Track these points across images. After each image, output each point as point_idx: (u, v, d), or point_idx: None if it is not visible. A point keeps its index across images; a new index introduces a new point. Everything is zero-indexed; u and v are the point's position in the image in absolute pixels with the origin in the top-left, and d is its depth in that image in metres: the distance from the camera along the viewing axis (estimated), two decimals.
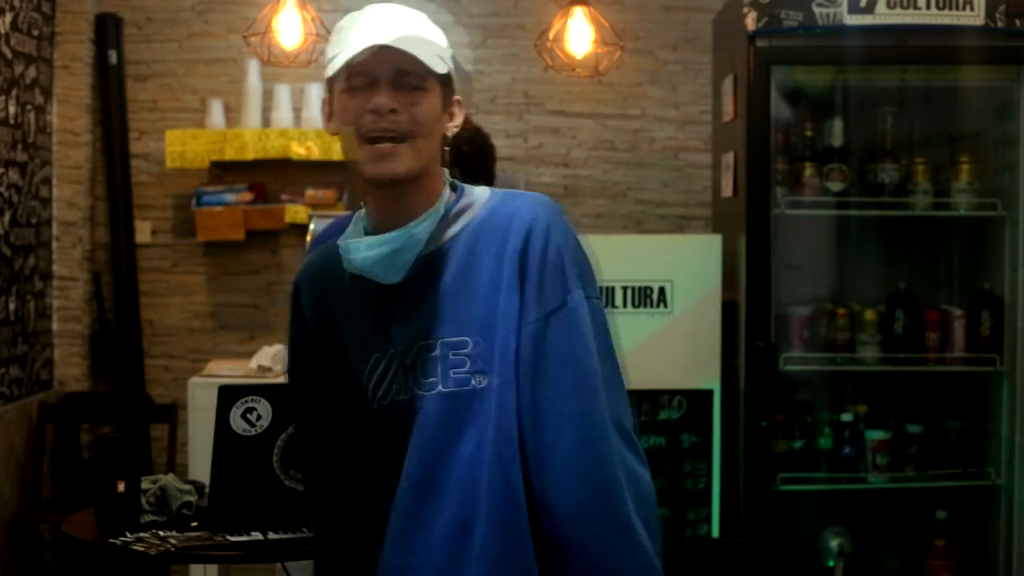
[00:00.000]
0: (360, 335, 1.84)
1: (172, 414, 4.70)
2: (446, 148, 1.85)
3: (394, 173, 1.76)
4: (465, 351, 1.76)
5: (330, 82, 1.81)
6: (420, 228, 1.79)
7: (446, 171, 1.88)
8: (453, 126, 1.85)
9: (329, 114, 1.84)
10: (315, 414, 1.94)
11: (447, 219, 1.82)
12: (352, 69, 1.76)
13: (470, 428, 1.75)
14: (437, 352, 1.77)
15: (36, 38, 4.63)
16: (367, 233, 1.83)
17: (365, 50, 1.74)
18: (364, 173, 1.79)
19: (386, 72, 1.76)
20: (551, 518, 1.72)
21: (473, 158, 3.14)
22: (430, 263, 1.80)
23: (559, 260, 1.78)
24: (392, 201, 1.80)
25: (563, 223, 1.82)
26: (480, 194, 1.87)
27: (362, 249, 1.79)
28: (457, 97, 1.86)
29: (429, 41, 1.80)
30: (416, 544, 1.76)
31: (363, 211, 1.88)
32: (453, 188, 1.87)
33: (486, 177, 3.03)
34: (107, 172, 4.96)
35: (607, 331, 1.82)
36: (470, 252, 1.80)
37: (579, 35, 4.12)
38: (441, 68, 1.79)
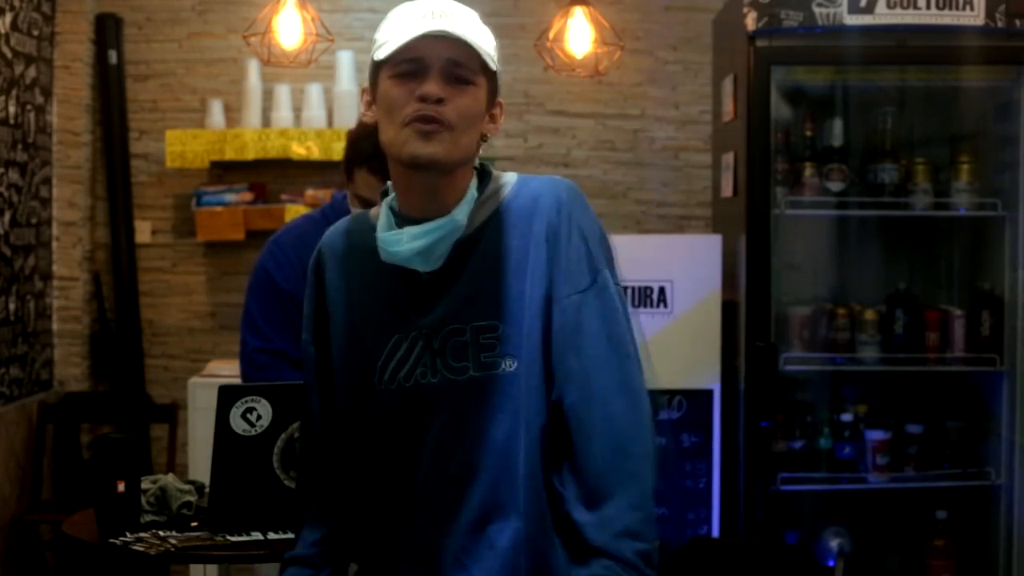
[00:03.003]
0: (380, 315, 1.83)
1: (172, 414, 4.70)
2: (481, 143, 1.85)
3: (433, 153, 1.76)
4: (494, 335, 1.77)
5: (375, 69, 1.81)
6: (461, 214, 1.79)
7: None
8: (493, 128, 1.85)
9: (369, 102, 1.84)
10: (327, 388, 1.92)
11: (477, 205, 1.82)
12: (403, 55, 1.75)
13: (501, 412, 1.76)
14: (467, 337, 1.77)
15: (36, 38, 4.63)
16: (399, 220, 1.83)
17: (420, 35, 1.74)
18: (401, 155, 1.78)
19: (438, 61, 1.75)
20: (583, 471, 1.75)
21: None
22: (460, 248, 1.80)
23: (584, 242, 1.81)
24: (424, 193, 1.80)
25: (585, 205, 1.84)
26: (507, 178, 1.87)
27: (405, 241, 1.79)
28: (500, 100, 1.87)
29: (481, 35, 1.80)
30: (456, 527, 1.78)
31: (389, 199, 1.87)
32: (479, 173, 1.87)
33: None
34: (107, 172, 4.96)
35: (628, 314, 1.84)
36: (497, 237, 1.81)
37: (579, 35, 4.12)
38: (492, 65, 1.80)
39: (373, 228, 1.86)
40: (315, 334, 1.93)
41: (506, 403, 1.76)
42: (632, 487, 1.73)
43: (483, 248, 1.80)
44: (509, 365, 1.76)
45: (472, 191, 1.82)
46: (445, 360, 1.78)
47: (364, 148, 2.82)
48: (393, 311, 1.82)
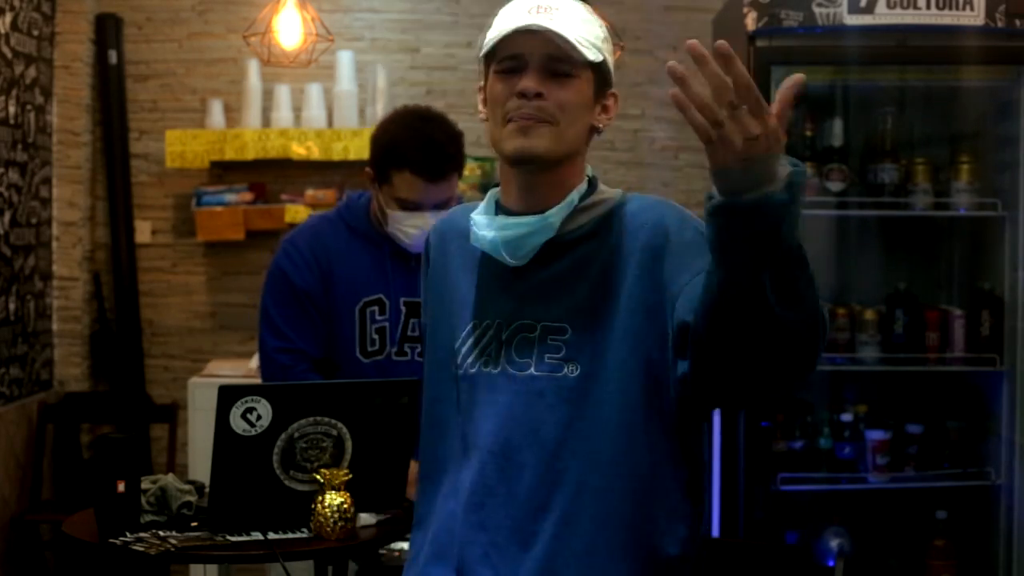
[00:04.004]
0: (465, 300, 1.86)
1: (172, 414, 4.70)
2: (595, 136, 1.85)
3: (533, 148, 1.76)
4: (563, 338, 1.76)
5: (485, 65, 1.84)
6: (555, 217, 1.79)
7: (588, 166, 1.88)
8: (606, 119, 1.84)
9: (483, 99, 1.85)
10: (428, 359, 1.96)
11: (576, 210, 1.82)
12: (503, 52, 1.78)
13: (556, 414, 1.74)
14: (536, 334, 1.77)
15: (36, 38, 4.63)
16: (499, 212, 1.84)
17: (512, 32, 1.76)
18: (504, 150, 1.79)
19: (536, 57, 1.77)
20: None
21: None
22: (549, 249, 1.80)
23: (699, 233, 1.73)
24: (528, 186, 1.81)
25: (691, 215, 1.82)
26: (613, 193, 1.87)
27: (495, 228, 1.80)
28: (613, 91, 1.86)
29: (583, 28, 1.79)
30: (489, 521, 1.77)
31: (495, 190, 1.89)
32: (589, 181, 1.87)
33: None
34: (107, 172, 4.96)
35: None
36: (590, 246, 1.80)
37: None
38: (593, 56, 1.78)
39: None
40: (424, 308, 2.00)
41: (561, 407, 1.74)
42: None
43: (572, 253, 1.80)
44: (572, 370, 1.75)
45: (573, 196, 1.81)
46: (509, 353, 1.78)
47: (406, 151, 2.83)
48: (476, 299, 1.84)
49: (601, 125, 1.84)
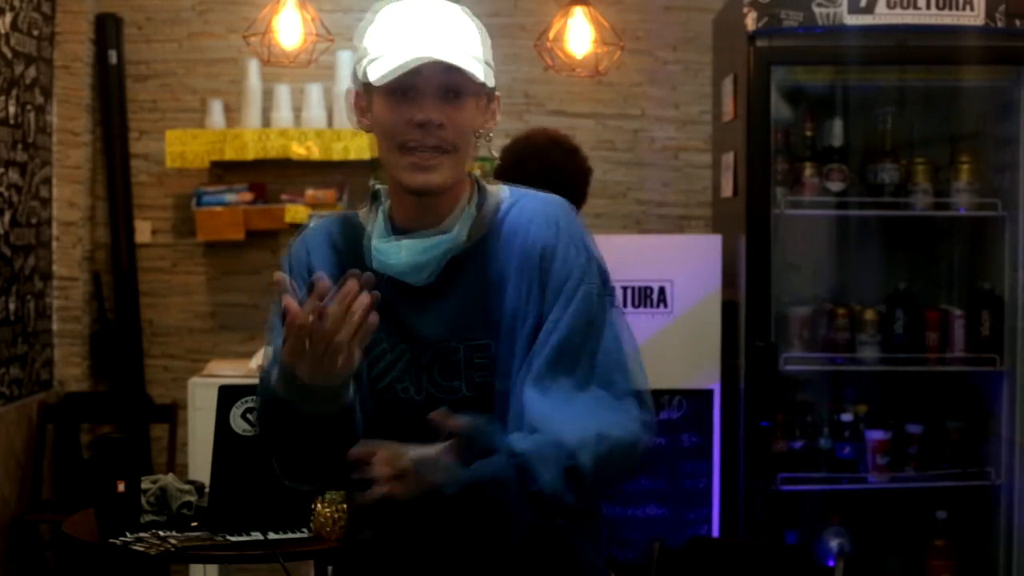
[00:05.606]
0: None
1: (172, 414, 4.69)
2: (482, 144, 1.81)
3: (435, 185, 1.71)
4: (488, 355, 1.72)
5: (367, 79, 1.71)
6: (462, 232, 1.73)
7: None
8: (492, 123, 1.79)
9: (364, 109, 1.76)
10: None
11: (474, 220, 1.77)
12: (396, 77, 1.67)
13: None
14: (460, 355, 1.72)
15: (36, 38, 4.63)
16: (392, 231, 1.76)
17: (415, 63, 1.66)
18: (401, 181, 1.72)
19: (432, 86, 1.69)
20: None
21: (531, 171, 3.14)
22: (452, 263, 1.74)
23: (570, 260, 1.73)
24: (425, 206, 1.75)
25: (577, 224, 1.79)
26: (497, 193, 1.81)
27: (403, 254, 1.73)
28: (497, 92, 1.80)
29: (471, 45, 1.73)
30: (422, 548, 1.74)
31: (383, 206, 1.80)
32: (474, 182, 1.82)
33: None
34: (107, 172, 4.96)
35: (608, 325, 1.78)
36: (492, 255, 1.75)
37: (579, 35, 4.12)
38: (484, 75, 1.72)
39: (363, 231, 1.80)
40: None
41: (498, 423, 1.69)
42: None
43: (477, 265, 1.75)
44: (503, 385, 1.71)
45: (471, 208, 1.76)
46: (432, 377, 1.73)
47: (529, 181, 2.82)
48: (381, 320, 1.70)
49: (488, 131, 1.79)
